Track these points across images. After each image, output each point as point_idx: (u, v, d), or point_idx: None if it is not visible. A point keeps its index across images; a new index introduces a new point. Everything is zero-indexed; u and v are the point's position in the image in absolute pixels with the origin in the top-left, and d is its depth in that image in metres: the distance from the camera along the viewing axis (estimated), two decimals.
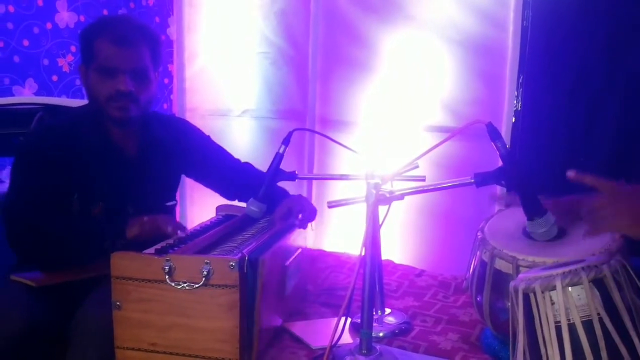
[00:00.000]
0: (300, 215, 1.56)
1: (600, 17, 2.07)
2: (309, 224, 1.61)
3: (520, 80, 2.11)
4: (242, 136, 2.63)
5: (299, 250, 1.50)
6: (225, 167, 1.74)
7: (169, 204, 1.66)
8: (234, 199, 1.76)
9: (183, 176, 1.80)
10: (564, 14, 2.15)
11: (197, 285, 1.19)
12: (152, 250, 1.29)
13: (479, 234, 1.39)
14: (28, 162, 1.48)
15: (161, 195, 1.64)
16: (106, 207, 1.50)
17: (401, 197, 1.27)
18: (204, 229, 1.52)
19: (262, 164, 1.56)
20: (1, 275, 1.46)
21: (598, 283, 0.99)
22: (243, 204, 1.65)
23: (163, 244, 1.35)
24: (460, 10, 2.17)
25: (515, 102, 2.12)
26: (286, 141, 1.41)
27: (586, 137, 2.09)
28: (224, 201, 1.80)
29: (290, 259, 1.44)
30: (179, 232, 1.41)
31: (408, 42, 2.26)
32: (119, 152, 1.54)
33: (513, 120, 2.12)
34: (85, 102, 1.60)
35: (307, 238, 1.62)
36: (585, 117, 2.08)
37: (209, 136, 1.80)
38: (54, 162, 1.45)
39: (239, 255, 1.22)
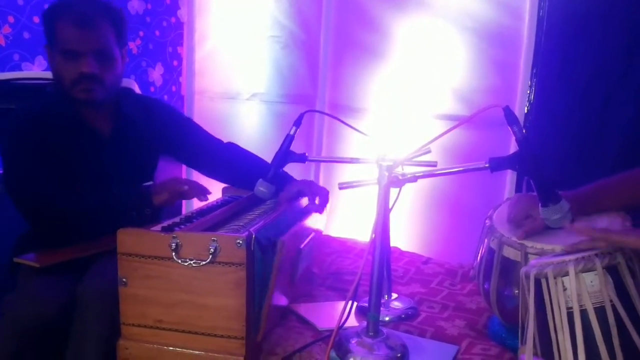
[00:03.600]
0: (317, 199, 1.56)
1: (618, 12, 2.03)
2: (324, 208, 1.60)
3: (534, 71, 2.08)
4: (251, 120, 2.62)
5: (313, 234, 1.49)
6: (204, 145, 1.73)
7: (145, 184, 1.64)
8: (217, 178, 1.75)
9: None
10: (580, 6, 2.12)
11: (203, 263, 1.18)
12: (158, 227, 1.28)
13: (487, 221, 1.37)
14: (18, 144, 1.47)
15: (138, 175, 1.63)
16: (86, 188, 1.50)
17: (414, 179, 1.25)
18: (210, 208, 1.51)
19: (270, 148, 1.55)
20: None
21: (612, 270, 0.97)
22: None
23: (169, 221, 1.34)
24: None
25: (528, 92, 2.10)
26: (297, 122, 1.40)
27: (598, 133, 2.06)
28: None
29: (305, 242, 1.43)
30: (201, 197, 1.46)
31: (421, 29, 2.24)
32: (92, 132, 1.54)
33: (526, 110, 2.10)
34: None
35: (319, 222, 1.61)
36: (599, 114, 2.04)
37: (188, 117, 1.80)
38: (36, 144, 1.45)
39: (246, 233, 1.21)
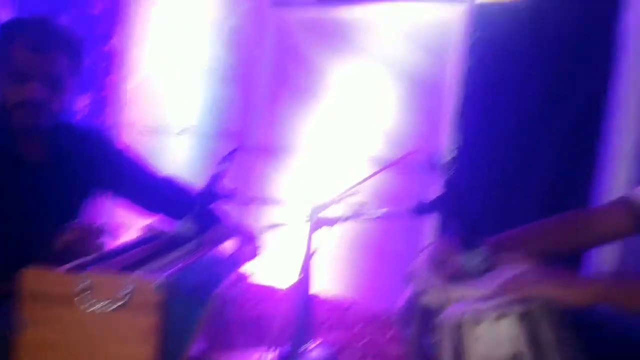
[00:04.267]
0: (242, 241, 1.51)
1: (538, 63, 2.17)
2: (248, 250, 1.55)
3: (460, 118, 2.17)
4: (180, 155, 2.56)
5: (234, 278, 1.44)
6: (142, 180, 1.65)
7: (70, 224, 1.53)
8: (152, 215, 1.66)
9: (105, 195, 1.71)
10: (503, 56, 2.25)
11: (115, 306, 1.11)
12: (68, 265, 1.20)
13: (410, 266, 1.38)
14: None
15: (63, 209, 1.53)
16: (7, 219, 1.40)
17: (341, 221, 1.24)
18: (128, 246, 1.44)
19: (199, 186, 1.52)
20: None
21: (526, 317, 0.99)
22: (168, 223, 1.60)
23: (81, 260, 1.26)
24: (408, 47, 2.23)
25: (454, 137, 2.17)
26: (227, 159, 1.37)
27: (520, 179, 2.16)
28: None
29: (225, 286, 1.38)
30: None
31: (356, 73, 2.29)
32: (21, 160, 1.45)
33: (452, 155, 2.17)
34: None
35: (242, 265, 1.56)
36: (520, 160, 2.15)
37: (127, 147, 1.71)
38: None
39: (165, 275, 1.15)
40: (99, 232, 1.41)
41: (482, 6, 2.16)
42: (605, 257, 1.73)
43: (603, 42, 1.99)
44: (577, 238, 1.36)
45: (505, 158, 2.12)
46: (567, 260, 1.26)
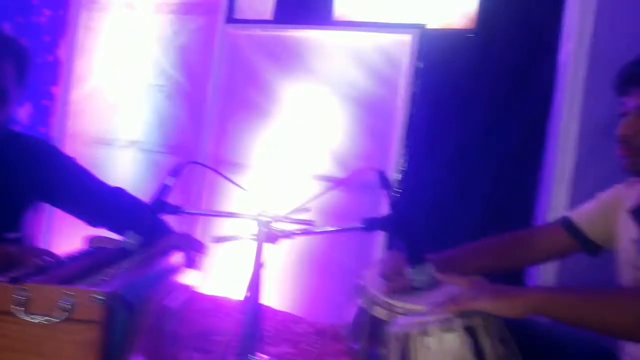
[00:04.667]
0: (190, 253, 1.48)
1: (479, 91, 2.28)
2: (196, 263, 1.53)
3: (407, 141, 2.23)
4: (127, 168, 2.51)
5: (181, 291, 1.41)
6: (91, 191, 1.60)
7: (9, 235, 1.47)
8: (101, 227, 1.63)
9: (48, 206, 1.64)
10: (449, 85, 2.34)
11: (55, 320, 1.06)
12: (5, 277, 1.14)
13: (359, 280, 1.40)
14: None
15: (5, 220, 1.47)
16: None
17: (291, 235, 1.25)
18: (71, 259, 1.38)
19: (146, 200, 1.50)
20: None
21: (470, 330, 1.02)
22: (116, 236, 1.55)
23: (19, 271, 1.20)
24: (358, 70, 2.28)
25: (401, 159, 2.23)
26: (175, 173, 1.35)
27: (462, 200, 2.24)
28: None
29: (171, 299, 1.34)
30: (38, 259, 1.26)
31: (306, 93, 2.33)
32: None
33: (398, 176, 2.22)
34: None
35: (190, 278, 1.53)
36: (463, 182, 2.23)
37: (74, 158, 1.65)
38: None
39: (108, 288, 1.11)
40: (39, 254, 1.33)
41: (429, 33, 2.25)
42: (545, 276, 1.80)
43: (544, 70, 2.11)
44: (519, 256, 1.42)
45: (449, 178, 2.20)
46: (509, 278, 1.31)
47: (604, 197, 1.35)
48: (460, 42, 2.36)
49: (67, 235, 2.39)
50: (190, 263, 1.49)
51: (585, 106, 1.79)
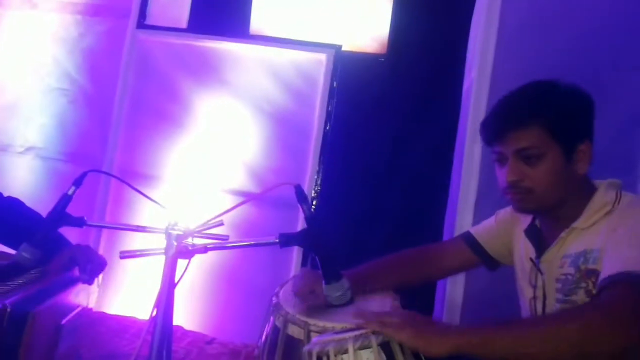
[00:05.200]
0: (86, 268, 1.38)
1: (391, 114, 2.36)
2: (96, 279, 1.42)
3: (322, 157, 2.26)
4: (23, 176, 2.32)
5: (79, 309, 1.31)
6: None
7: None
8: None
9: None
10: (362, 105, 2.41)
11: None
12: None
13: (273, 298, 1.37)
14: None
15: None
16: None
17: (204, 250, 1.20)
18: None
19: (43, 210, 1.38)
20: None
21: (385, 347, 1.03)
22: (8, 250, 1.42)
23: None
24: (274, 85, 2.28)
25: (316, 176, 2.25)
26: (78, 182, 1.26)
27: (371, 216, 2.29)
28: None
29: (67, 318, 1.24)
30: None
31: (221, 105, 2.29)
32: None
33: (313, 192, 2.24)
34: None
35: (90, 295, 1.43)
36: (372, 198, 2.29)
37: None
38: None
39: (2, 304, 1.01)
40: None
41: (345, 54, 2.30)
42: (453, 291, 1.87)
43: (450, 96, 2.23)
44: (427, 270, 1.46)
45: (361, 195, 2.25)
46: (419, 290, 1.34)
47: (502, 214, 1.42)
48: (372, 64, 2.45)
49: None
50: (89, 279, 1.39)
51: None
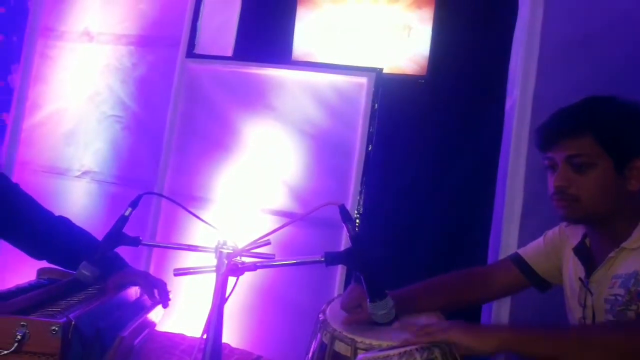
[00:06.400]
0: (152, 293, 1.45)
1: (433, 135, 2.38)
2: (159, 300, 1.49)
3: (364, 178, 2.28)
4: (79, 199, 2.44)
5: (148, 329, 1.37)
6: (33, 218, 1.55)
7: None
8: (43, 257, 1.57)
9: None
10: (404, 126, 2.44)
11: (6, 352, 1.02)
12: None
13: (320, 315, 1.40)
14: None
15: None
16: None
17: (253, 267, 1.25)
18: (21, 290, 1.33)
19: (97, 232, 1.46)
20: None
21: None
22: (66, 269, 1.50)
23: None
24: (316, 108, 2.33)
25: (358, 197, 2.27)
26: (134, 204, 1.33)
27: (414, 237, 2.30)
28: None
29: (139, 338, 1.30)
30: None
31: (266, 129, 2.35)
32: None
33: (356, 213, 2.26)
34: None
35: (157, 316, 1.50)
36: (416, 220, 2.30)
37: (17, 184, 1.62)
38: None
39: (64, 319, 1.08)
40: None
41: (386, 76, 2.34)
42: (498, 312, 1.85)
43: (492, 115, 2.23)
44: (473, 293, 1.46)
45: (405, 215, 2.26)
46: (465, 313, 1.34)
47: (551, 234, 1.42)
48: (412, 86, 2.48)
49: (12, 270, 2.29)
50: (148, 297, 1.46)
51: (531, 149, 1.89)
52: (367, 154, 2.27)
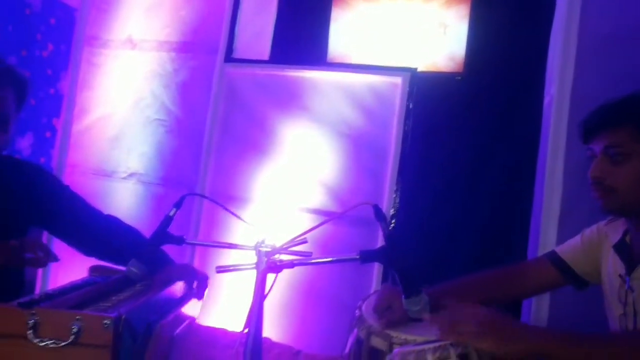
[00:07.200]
0: (192, 284, 1.52)
1: (469, 133, 2.37)
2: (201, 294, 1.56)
3: (399, 178, 2.30)
4: (125, 200, 2.55)
5: (188, 321, 1.44)
6: (83, 217, 1.64)
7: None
8: (94, 254, 1.65)
9: (51, 237, 1.68)
10: (439, 125, 2.44)
11: (64, 344, 1.09)
12: (14, 302, 1.17)
13: (357, 311, 1.44)
14: None
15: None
16: None
17: (291, 265, 1.29)
18: (75, 287, 1.42)
19: (144, 231, 1.53)
20: None
21: (463, 358, 1.07)
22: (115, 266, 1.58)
23: (27, 298, 1.24)
24: (352, 108, 2.36)
25: (394, 196, 2.29)
26: (178, 205, 1.39)
27: (451, 236, 2.30)
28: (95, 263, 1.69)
29: (179, 329, 1.37)
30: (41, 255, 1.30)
31: (302, 130, 2.40)
32: None
33: (392, 212, 2.28)
34: None
35: (196, 309, 1.56)
36: (452, 219, 2.30)
37: (67, 186, 1.70)
38: None
39: (115, 313, 1.15)
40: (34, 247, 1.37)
41: (421, 75, 2.35)
42: (538, 308, 1.85)
43: (530, 112, 2.21)
44: (510, 290, 1.47)
45: (440, 214, 2.26)
46: (504, 308, 1.35)
47: (588, 233, 1.41)
48: (448, 84, 2.47)
49: (66, 267, 2.41)
50: (193, 293, 1.52)
51: (569, 146, 1.88)
52: (402, 153, 2.29)
